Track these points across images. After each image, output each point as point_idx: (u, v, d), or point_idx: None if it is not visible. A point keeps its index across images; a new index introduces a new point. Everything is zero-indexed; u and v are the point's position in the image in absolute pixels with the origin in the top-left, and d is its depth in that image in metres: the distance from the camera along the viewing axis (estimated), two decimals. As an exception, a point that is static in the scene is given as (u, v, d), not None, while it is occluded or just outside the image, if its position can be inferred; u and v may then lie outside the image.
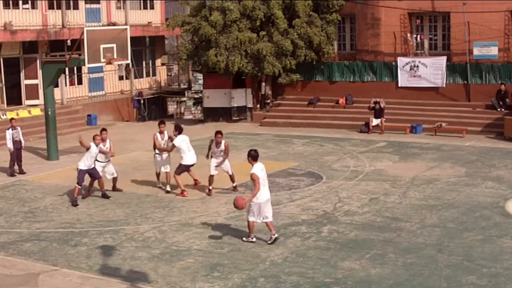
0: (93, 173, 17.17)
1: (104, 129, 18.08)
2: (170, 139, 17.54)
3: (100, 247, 13.46)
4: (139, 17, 33.95)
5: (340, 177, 18.98)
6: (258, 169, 13.37)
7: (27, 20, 28.70)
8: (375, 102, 26.31)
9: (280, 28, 28.23)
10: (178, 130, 17.13)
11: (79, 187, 16.94)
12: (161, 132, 17.87)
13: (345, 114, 28.37)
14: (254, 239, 13.48)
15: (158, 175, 18.19)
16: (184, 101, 37.67)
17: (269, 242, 13.34)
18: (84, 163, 16.94)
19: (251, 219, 13.37)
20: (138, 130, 28.58)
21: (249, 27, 28.12)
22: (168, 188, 17.72)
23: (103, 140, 17.53)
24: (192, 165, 17.32)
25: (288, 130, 27.43)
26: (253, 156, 13.46)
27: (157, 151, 17.91)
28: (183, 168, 17.17)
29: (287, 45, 28.12)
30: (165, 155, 17.87)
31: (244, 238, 13.57)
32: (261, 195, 13.26)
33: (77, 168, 16.98)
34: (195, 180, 17.95)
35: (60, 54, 29.40)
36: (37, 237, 14.25)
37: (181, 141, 17.05)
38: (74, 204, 16.62)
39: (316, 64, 29.75)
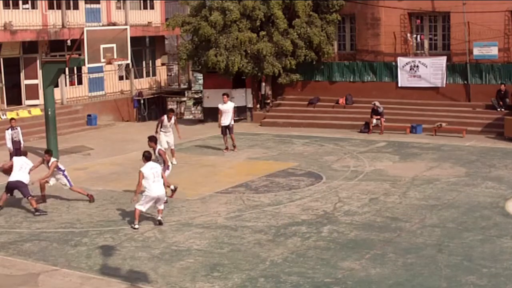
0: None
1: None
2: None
3: (100, 247, 13.46)
4: (139, 17, 33.95)
5: (340, 177, 18.98)
6: (148, 168, 14.61)
7: (27, 20, 28.70)
8: (377, 106, 26.36)
9: (280, 28, 28.22)
10: (147, 159, 15.10)
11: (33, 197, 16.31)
12: (169, 118, 20.98)
13: (345, 114, 28.37)
14: (137, 226, 14.57)
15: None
16: (184, 101, 37.69)
17: (157, 224, 14.83)
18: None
19: (138, 207, 14.63)
20: (138, 130, 28.56)
21: (249, 27, 28.12)
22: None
23: (47, 161, 16.81)
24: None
25: (288, 130, 27.42)
26: (146, 157, 14.91)
27: (162, 129, 20.88)
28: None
29: (287, 45, 28.11)
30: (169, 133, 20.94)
31: (132, 225, 14.74)
32: (152, 190, 14.51)
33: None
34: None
35: (60, 54, 29.39)
36: (37, 237, 14.25)
37: (149, 168, 14.79)
38: (41, 213, 15.89)
39: (316, 64, 29.75)
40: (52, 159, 16.88)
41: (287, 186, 18.14)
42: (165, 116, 21.24)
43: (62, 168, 17.01)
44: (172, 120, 21.19)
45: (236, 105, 25.03)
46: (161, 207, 14.97)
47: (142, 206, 14.62)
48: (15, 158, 16.87)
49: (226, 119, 23.08)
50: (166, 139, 21.02)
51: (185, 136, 26.62)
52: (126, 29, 22.61)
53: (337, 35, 30.43)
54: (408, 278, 11.56)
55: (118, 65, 24.96)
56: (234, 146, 23.20)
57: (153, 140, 16.83)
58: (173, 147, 21.32)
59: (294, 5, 28.55)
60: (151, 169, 14.60)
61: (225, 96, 23.38)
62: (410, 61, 28.30)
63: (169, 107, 33.24)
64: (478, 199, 16.45)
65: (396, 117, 26.91)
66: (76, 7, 31.01)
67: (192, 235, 14.14)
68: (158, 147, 16.85)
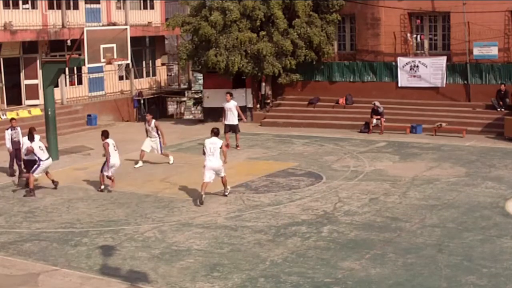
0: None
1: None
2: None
3: (100, 247, 13.46)
4: (139, 17, 33.96)
5: (340, 177, 18.98)
6: (208, 142, 16.67)
7: (27, 20, 28.70)
8: (377, 106, 26.37)
9: (280, 28, 28.22)
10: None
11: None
12: (148, 122, 21.13)
13: (345, 114, 28.37)
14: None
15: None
16: (184, 101, 37.69)
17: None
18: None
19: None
20: (138, 130, 28.50)
21: (249, 27, 28.12)
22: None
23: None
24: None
25: (288, 130, 27.42)
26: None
27: (148, 134, 21.19)
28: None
29: (287, 45, 28.11)
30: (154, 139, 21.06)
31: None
32: (208, 163, 16.52)
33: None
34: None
35: (60, 54, 29.40)
36: (37, 237, 14.25)
37: (209, 143, 16.63)
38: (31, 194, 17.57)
39: (316, 64, 29.75)
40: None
41: (287, 186, 18.14)
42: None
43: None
44: (152, 124, 20.96)
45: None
46: (223, 174, 16.91)
47: (206, 179, 16.57)
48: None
49: (231, 118, 23.22)
50: (151, 143, 21.16)
51: (185, 136, 26.68)
52: (126, 29, 22.63)
53: (337, 35, 30.43)
54: (408, 278, 11.56)
55: (118, 65, 24.98)
56: (237, 146, 23.23)
57: (103, 134, 18.10)
58: (159, 152, 21.20)
59: (294, 5, 28.55)
60: (210, 144, 16.59)
61: (228, 95, 23.65)
62: (410, 61, 28.30)
63: (152, 107, 32.74)
64: (478, 199, 16.45)
65: (396, 117, 26.92)
66: (76, 7, 31.01)
67: (192, 235, 14.14)
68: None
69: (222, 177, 16.92)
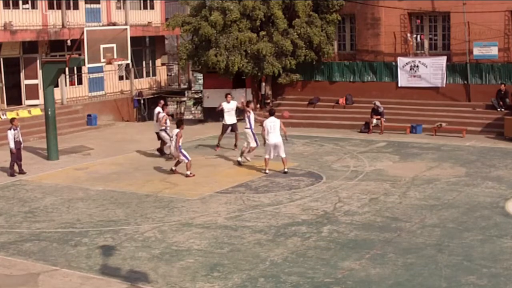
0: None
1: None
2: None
3: (100, 247, 13.47)
4: (139, 17, 33.94)
5: (340, 177, 18.99)
6: (267, 121, 19.40)
7: (27, 20, 28.69)
8: (377, 106, 26.37)
9: (280, 28, 28.22)
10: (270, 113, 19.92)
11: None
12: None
13: (345, 114, 28.38)
14: (267, 171, 19.37)
15: None
16: (184, 101, 37.64)
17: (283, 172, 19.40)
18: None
19: (266, 156, 19.48)
20: (138, 130, 28.58)
21: (249, 27, 28.12)
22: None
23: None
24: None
25: (288, 130, 27.34)
26: (269, 112, 20.07)
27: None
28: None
29: (287, 45, 28.12)
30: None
31: (263, 171, 19.40)
32: (269, 139, 19.30)
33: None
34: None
35: (60, 54, 29.40)
36: (37, 237, 14.25)
37: (269, 122, 19.50)
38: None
39: (316, 64, 29.75)
40: None
41: (287, 186, 18.14)
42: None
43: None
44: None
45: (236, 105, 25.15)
46: (283, 155, 19.25)
47: (267, 155, 19.31)
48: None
49: (231, 117, 23.33)
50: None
51: (185, 136, 26.63)
52: (126, 29, 22.63)
53: (337, 35, 30.44)
54: (408, 278, 11.56)
55: (118, 65, 25.01)
56: (235, 146, 23.27)
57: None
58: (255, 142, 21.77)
59: (294, 5, 28.56)
60: (270, 123, 19.20)
61: (229, 96, 23.76)
62: (410, 61, 28.30)
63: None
64: (478, 199, 16.45)
65: (396, 117, 26.92)
66: (76, 7, 30.99)
67: (192, 235, 14.15)
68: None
69: (282, 158, 19.36)
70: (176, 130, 19.58)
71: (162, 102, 23.17)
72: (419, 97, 28.04)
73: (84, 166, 21.38)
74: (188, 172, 19.39)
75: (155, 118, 22.48)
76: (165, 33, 35.67)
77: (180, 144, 19.50)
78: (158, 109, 22.38)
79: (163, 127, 21.76)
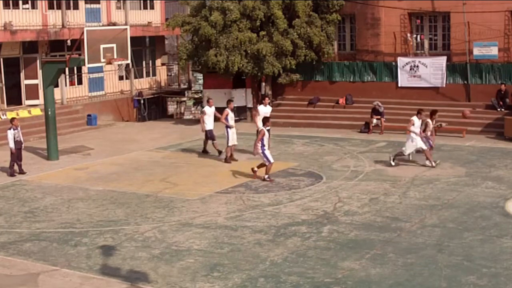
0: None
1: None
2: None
3: (100, 247, 13.46)
4: (139, 17, 33.95)
5: (340, 177, 18.99)
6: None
7: (27, 20, 28.70)
8: (378, 106, 26.38)
9: (280, 28, 28.22)
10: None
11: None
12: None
13: (345, 114, 28.37)
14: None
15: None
16: (184, 101, 37.64)
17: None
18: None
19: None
20: (138, 130, 28.59)
21: (249, 27, 28.12)
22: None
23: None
24: None
25: (288, 130, 27.42)
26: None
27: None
28: None
29: (287, 45, 28.11)
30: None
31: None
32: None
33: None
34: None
35: (60, 54, 29.40)
36: (37, 237, 14.25)
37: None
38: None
39: (316, 64, 29.75)
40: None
41: (287, 186, 18.14)
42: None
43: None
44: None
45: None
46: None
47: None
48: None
49: (211, 123, 22.54)
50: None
51: (185, 136, 26.68)
52: (126, 29, 22.62)
53: (337, 35, 30.44)
54: (408, 278, 11.56)
55: (118, 65, 24.97)
56: (219, 152, 22.19)
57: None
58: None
59: (294, 5, 28.55)
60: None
61: (211, 100, 23.18)
62: (410, 61, 28.30)
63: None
64: (478, 199, 16.45)
65: (396, 117, 26.89)
66: (76, 7, 31.00)
67: (192, 235, 14.14)
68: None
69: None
70: (260, 127, 19.40)
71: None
72: (419, 97, 28.02)
73: (84, 166, 21.39)
74: (266, 176, 18.61)
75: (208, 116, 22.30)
76: (165, 33, 35.69)
77: (264, 143, 18.65)
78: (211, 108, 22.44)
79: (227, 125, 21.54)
